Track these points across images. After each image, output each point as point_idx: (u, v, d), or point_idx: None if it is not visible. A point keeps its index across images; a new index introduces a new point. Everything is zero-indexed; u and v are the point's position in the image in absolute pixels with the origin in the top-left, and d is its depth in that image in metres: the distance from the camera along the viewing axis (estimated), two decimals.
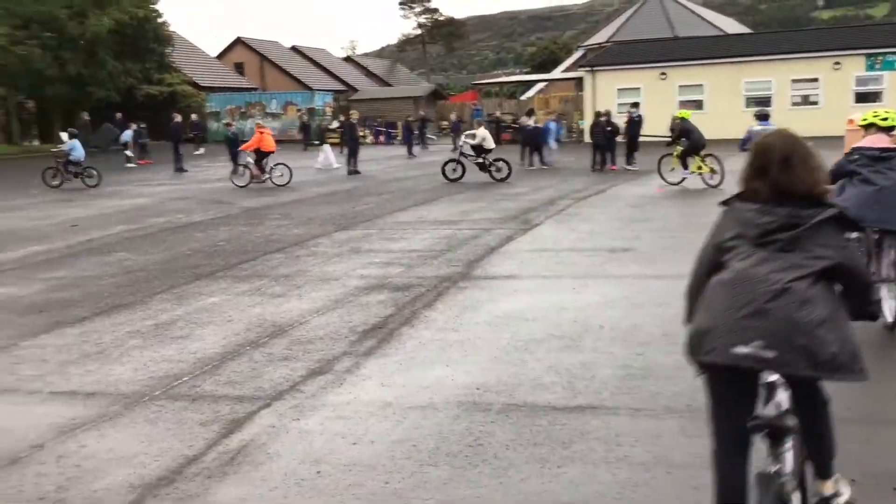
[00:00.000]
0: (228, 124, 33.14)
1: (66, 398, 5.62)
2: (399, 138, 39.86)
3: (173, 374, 6.06)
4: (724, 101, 35.37)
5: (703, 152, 18.04)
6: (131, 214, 16.17)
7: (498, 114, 41.38)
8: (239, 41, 64.47)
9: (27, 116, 46.87)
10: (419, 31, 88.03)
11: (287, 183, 21.43)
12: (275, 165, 21.83)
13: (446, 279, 9.11)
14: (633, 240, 11.35)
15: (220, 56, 63.65)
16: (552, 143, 26.02)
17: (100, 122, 40.18)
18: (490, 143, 21.95)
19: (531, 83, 56.06)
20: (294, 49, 69.29)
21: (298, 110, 46.82)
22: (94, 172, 23.05)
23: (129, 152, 31.48)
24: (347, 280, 9.26)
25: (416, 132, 36.02)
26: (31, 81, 41.33)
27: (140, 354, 6.59)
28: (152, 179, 24.98)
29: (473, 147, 21.76)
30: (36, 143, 45.31)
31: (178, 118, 30.14)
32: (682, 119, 18.42)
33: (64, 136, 40.05)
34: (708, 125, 33.57)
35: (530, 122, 26.96)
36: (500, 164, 21.65)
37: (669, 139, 18.66)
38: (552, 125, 26.97)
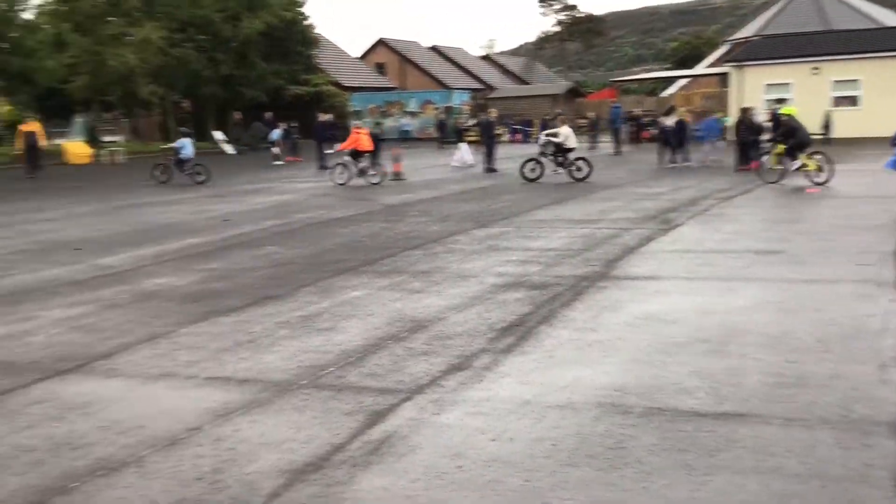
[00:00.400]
0: (378, 123, 34.16)
1: (221, 384, 5.91)
2: (535, 136, 39.75)
3: (319, 364, 6.27)
4: (882, 97, 33.39)
5: (808, 150, 17.80)
6: (278, 210, 16.82)
7: (637, 111, 40.58)
8: (381, 42, 65.95)
9: (182, 116, 49.54)
10: (558, 29, 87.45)
11: (381, 181, 21.89)
12: (371, 164, 22.29)
13: (585, 278, 9.02)
14: (782, 241, 10.89)
15: (363, 57, 65.32)
16: (718, 143, 25.22)
17: (250, 121, 42.03)
18: (572, 143, 21.51)
19: (672, 80, 54.71)
20: (433, 49, 70.24)
21: (436, 109, 47.46)
22: (203, 170, 23.99)
23: (276, 150, 32.78)
24: (485, 277, 9.31)
25: None
26: (186, 82, 43.66)
27: (288, 344, 6.85)
28: (297, 177, 25.90)
29: (555, 146, 21.39)
30: None
31: (323, 117, 31.17)
32: (788, 116, 18.08)
33: (218, 134, 42.14)
34: (863, 122, 31.95)
35: (670, 120, 26.28)
36: (581, 163, 21.23)
37: (772, 136, 18.77)
38: (713, 122, 26.22)
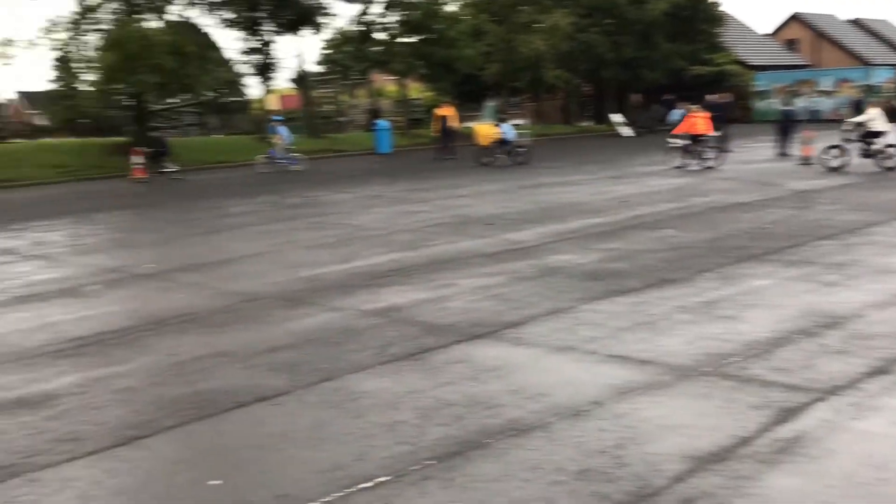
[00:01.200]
0: (786, 103, 32.38)
1: (620, 362, 5.98)
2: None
3: (721, 352, 6.07)
4: None
5: None
6: (674, 193, 16.56)
7: None
8: (794, 17, 61.69)
9: (583, 99, 50.81)
10: None
11: (714, 166, 21.10)
12: (710, 148, 21.61)
13: None
14: None
15: (774, 33, 61.72)
16: None
17: (650, 104, 41.92)
18: (879, 126, 18.00)
19: None
20: (853, 22, 64.04)
21: (853, 87, 43.38)
22: (524, 151, 25.84)
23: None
24: None
25: None
26: (589, 66, 44.67)
27: (688, 329, 6.73)
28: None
29: (862, 129, 18.21)
30: (588, 123, 48.98)
31: (719, 97, 30.20)
32: None
33: (616, 117, 42.65)
34: None
35: None
36: (892, 150, 17.66)
37: None
38: None
